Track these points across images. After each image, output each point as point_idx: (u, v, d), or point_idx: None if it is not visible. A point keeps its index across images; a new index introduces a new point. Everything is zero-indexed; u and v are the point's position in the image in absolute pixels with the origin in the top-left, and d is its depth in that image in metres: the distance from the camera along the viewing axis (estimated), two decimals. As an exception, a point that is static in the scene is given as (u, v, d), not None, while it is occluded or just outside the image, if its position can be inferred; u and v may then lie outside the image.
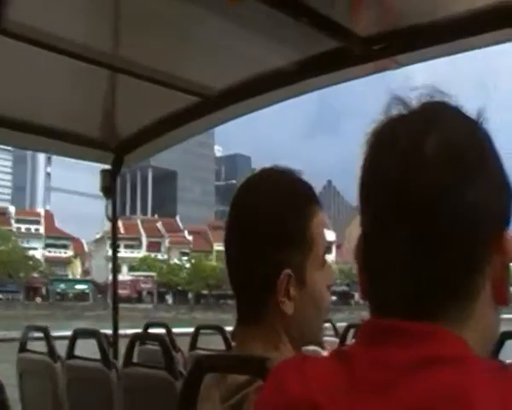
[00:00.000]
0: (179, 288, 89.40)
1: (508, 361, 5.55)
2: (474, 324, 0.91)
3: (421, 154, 0.90)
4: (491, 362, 0.89)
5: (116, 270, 5.60)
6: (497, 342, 3.52)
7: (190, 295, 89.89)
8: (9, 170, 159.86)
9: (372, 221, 0.95)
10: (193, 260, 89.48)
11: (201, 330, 6.13)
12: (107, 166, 4.94)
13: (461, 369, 0.84)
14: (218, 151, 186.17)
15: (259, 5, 2.83)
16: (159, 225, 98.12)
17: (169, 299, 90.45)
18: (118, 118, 4.57)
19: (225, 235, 1.59)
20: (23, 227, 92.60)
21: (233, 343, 1.61)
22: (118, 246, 5.92)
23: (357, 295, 73.30)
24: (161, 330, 6.59)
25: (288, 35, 3.23)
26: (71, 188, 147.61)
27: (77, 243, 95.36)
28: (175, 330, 7.81)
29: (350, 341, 5.62)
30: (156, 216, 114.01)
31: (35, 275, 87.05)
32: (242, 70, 3.67)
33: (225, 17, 3.07)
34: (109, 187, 4.99)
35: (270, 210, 1.51)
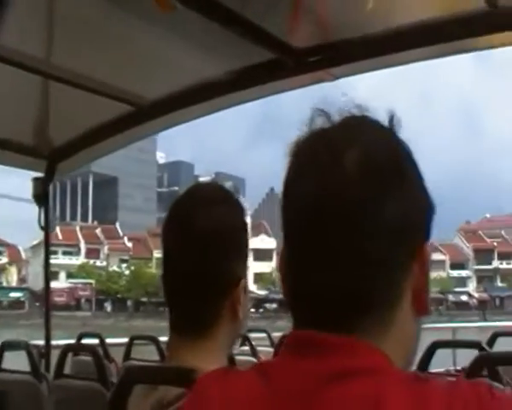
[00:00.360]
0: (118, 295, 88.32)
1: (438, 370, 5.69)
2: (394, 334, 0.92)
3: (340, 168, 0.91)
4: (406, 373, 0.91)
5: (49, 278, 5.49)
6: (427, 352, 3.59)
7: (129, 303, 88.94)
8: None
9: (293, 234, 0.96)
10: (132, 268, 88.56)
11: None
12: (41, 174, 4.87)
13: (375, 379, 0.85)
14: (161, 158, 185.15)
15: (193, 15, 2.83)
16: (98, 231, 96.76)
17: (108, 306, 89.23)
18: (51, 125, 4.50)
19: (170, 243, 1.60)
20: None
21: (166, 354, 1.61)
22: (51, 253, 5.81)
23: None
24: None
25: (222, 46, 3.24)
26: (4, 192, 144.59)
27: (12, 249, 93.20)
28: (111, 340, 7.72)
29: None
30: (96, 222, 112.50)
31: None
32: (176, 80, 3.66)
33: (159, 27, 3.06)
34: (41, 195, 4.91)
35: (231, 223, 1.56)
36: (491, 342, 4.88)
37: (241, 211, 1.62)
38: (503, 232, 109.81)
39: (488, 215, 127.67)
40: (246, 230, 1.62)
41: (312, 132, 0.98)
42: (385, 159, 0.93)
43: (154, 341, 5.61)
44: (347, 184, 0.90)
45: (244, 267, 1.58)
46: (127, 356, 5.84)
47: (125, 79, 3.70)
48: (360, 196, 0.90)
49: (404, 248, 0.92)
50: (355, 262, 0.90)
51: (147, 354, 5.84)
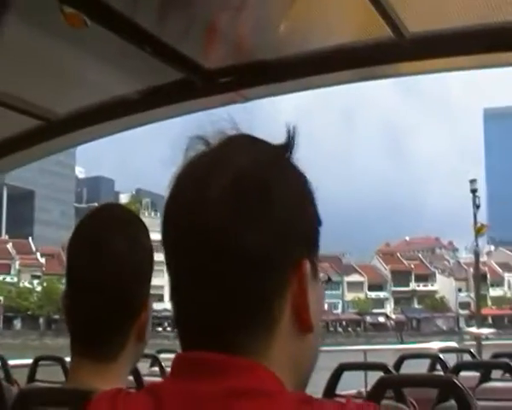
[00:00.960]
0: (29, 312, 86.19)
1: (349, 392, 5.80)
2: (276, 353, 0.93)
3: (204, 197, 0.93)
4: (296, 394, 0.91)
5: None
6: (334, 373, 3.66)
7: (41, 320, 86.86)
8: None
9: (169, 257, 0.99)
10: (45, 284, 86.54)
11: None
12: None
13: (268, 401, 0.86)
14: (80, 172, 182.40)
15: (105, 32, 2.84)
16: (9, 246, 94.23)
17: (17, 324, 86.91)
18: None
19: (78, 263, 1.57)
20: None
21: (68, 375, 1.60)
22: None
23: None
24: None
25: (132, 64, 3.25)
26: None
27: None
28: (17, 361, 7.52)
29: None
30: (7, 237, 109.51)
31: None
32: (88, 96, 3.64)
33: (71, 42, 3.04)
34: None
35: (143, 245, 1.57)
36: (399, 364, 5.01)
37: (147, 232, 1.62)
38: (419, 255, 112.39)
39: (407, 238, 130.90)
40: (152, 251, 1.61)
41: (189, 161, 1.00)
42: (252, 186, 0.94)
43: (60, 361, 5.49)
44: (209, 214, 0.93)
45: (149, 288, 1.58)
46: (31, 378, 5.69)
47: (35, 93, 3.65)
48: (222, 223, 0.92)
49: (277, 270, 0.94)
50: (224, 286, 0.92)
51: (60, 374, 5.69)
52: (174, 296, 0.98)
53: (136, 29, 2.88)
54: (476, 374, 4.58)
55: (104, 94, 3.59)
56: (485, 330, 15.98)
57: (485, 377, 4.34)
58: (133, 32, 2.90)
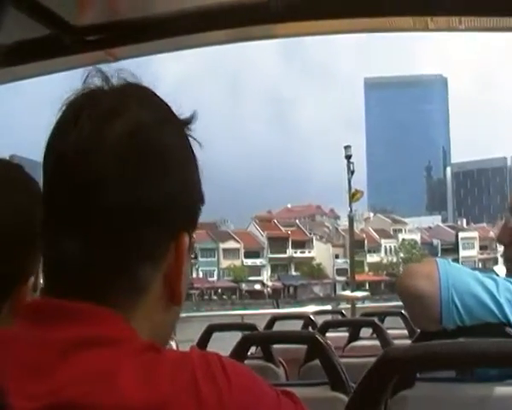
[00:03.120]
0: None
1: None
2: (143, 315, 0.97)
3: (100, 141, 0.94)
4: (142, 342, 0.94)
5: None
6: (204, 334, 3.78)
7: None
8: None
9: (45, 195, 1.00)
10: None
11: None
12: None
13: (112, 350, 0.90)
14: None
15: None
16: None
17: None
18: None
19: None
20: None
21: None
22: None
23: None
24: None
25: (-6, 17, 3.20)
26: None
27: None
28: None
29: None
30: None
31: None
32: None
33: None
34: None
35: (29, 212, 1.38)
36: (270, 325, 5.19)
37: (38, 197, 1.46)
38: (297, 221, 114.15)
39: (289, 205, 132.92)
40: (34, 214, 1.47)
41: (85, 93, 1.00)
42: (151, 139, 0.96)
43: None
44: (105, 158, 0.93)
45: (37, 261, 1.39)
46: None
47: None
48: (111, 172, 0.93)
49: (157, 232, 0.96)
50: (104, 237, 0.94)
51: None
52: (43, 238, 0.99)
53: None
54: (346, 334, 4.83)
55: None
56: (358, 294, 16.66)
57: (354, 337, 4.58)
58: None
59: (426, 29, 4.08)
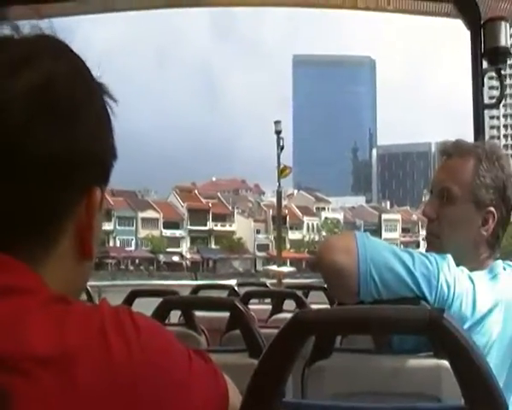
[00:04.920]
0: None
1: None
2: (54, 268, 0.98)
3: (8, 89, 0.93)
4: (53, 293, 0.95)
5: None
6: (126, 299, 3.81)
7: None
8: None
9: None
10: None
11: None
12: None
13: (20, 299, 0.91)
14: None
15: None
16: None
17: None
18: None
19: None
20: None
21: None
22: None
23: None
24: None
25: None
26: None
27: None
28: None
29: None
30: None
31: None
32: None
33: None
34: None
35: None
36: (195, 293, 5.24)
37: None
38: (218, 194, 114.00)
39: (214, 178, 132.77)
40: None
41: None
42: (62, 91, 0.96)
43: None
44: (12, 109, 0.93)
45: None
46: None
47: None
48: (22, 125, 0.93)
49: (69, 186, 0.97)
50: (13, 185, 0.94)
51: None
52: None
53: None
54: (270, 307, 4.91)
55: None
56: (285, 269, 16.85)
57: (277, 309, 4.67)
58: None
59: (355, 7, 4.22)
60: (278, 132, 22.28)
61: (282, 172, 22.95)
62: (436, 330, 1.21)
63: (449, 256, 2.03)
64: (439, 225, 2.19)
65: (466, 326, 1.91)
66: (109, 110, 1.06)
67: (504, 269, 2.14)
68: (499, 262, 2.17)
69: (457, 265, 2.03)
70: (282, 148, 22.35)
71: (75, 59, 1.02)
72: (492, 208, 2.15)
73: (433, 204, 2.21)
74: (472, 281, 2.01)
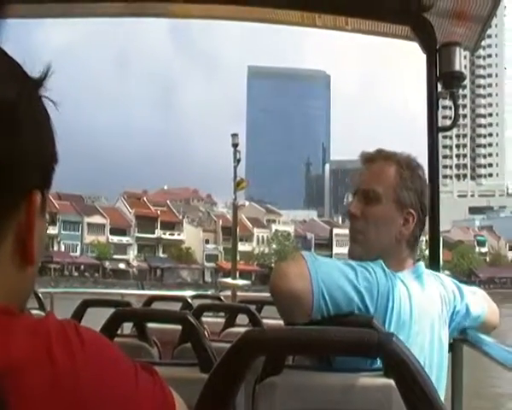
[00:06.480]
0: None
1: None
2: None
3: None
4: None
5: None
6: (79, 308, 3.81)
7: None
8: None
9: None
10: None
11: None
12: None
13: None
14: None
15: None
16: None
17: None
18: None
19: None
20: None
21: None
22: None
23: None
24: None
25: None
26: None
27: None
28: None
29: None
30: None
31: None
32: None
33: None
34: None
35: None
36: (147, 305, 5.26)
37: None
38: (168, 202, 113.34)
39: (166, 187, 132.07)
40: None
41: None
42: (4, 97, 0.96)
43: None
44: None
45: None
46: None
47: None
48: None
49: (6, 190, 0.97)
50: None
51: None
52: None
53: None
54: (223, 321, 4.96)
55: None
56: (239, 282, 16.79)
57: (230, 323, 4.71)
58: None
59: (313, 25, 4.31)
60: (235, 145, 22.26)
61: (238, 184, 22.92)
62: (385, 353, 1.28)
63: (381, 262, 2.23)
64: (364, 223, 2.36)
65: (407, 328, 2.17)
66: (49, 111, 1.06)
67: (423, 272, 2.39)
68: (422, 263, 2.42)
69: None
70: (239, 160, 22.32)
71: (9, 63, 1.02)
72: (412, 210, 2.36)
73: (358, 204, 2.38)
74: (404, 284, 2.23)
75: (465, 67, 4.07)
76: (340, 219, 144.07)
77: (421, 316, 2.24)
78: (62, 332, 0.93)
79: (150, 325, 3.27)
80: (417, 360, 1.30)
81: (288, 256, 2.29)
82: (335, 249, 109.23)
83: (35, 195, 1.00)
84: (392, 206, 2.35)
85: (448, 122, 3.96)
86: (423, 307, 2.26)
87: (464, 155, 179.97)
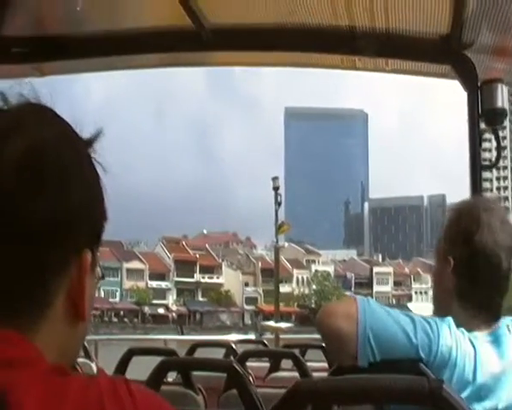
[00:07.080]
0: None
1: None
2: (48, 334, 1.00)
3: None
4: (50, 365, 0.96)
5: None
6: (124, 358, 3.84)
7: None
8: None
9: None
10: None
11: None
12: None
13: (18, 372, 0.92)
14: None
15: None
16: None
17: None
18: None
19: None
20: None
21: None
22: None
23: None
24: None
25: None
26: None
27: None
28: None
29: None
30: None
31: None
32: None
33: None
34: None
35: None
36: (191, 352, 5.27)
37: None
38: (207, 245, 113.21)
39: (205, 231, 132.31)
40: None
41: None
42: (49, 157, 0.99)
43: None
44: (2, 174, 0.96)
45: None
46: None
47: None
48: (13, 191, 0.96)
49: (59, 251, 1.00)
50: (2, 254, 0.97)
51: None
52: None
53: None
54: (268, 365, 4.97)
55: None
56: (282, 325, 16.62)
57: (275, 367, 4.73)
58: None
59: (353, 68, 4.33)
60: (276, 188, 22.24)
61: (280, 227, 22.81)
62: (436, 401, 1.28)
63: (450, 319, 2.08)
64: None
65: (467, 391, 1.96)
66: (99, 169, 1.09)
67: (509, 330, 2.14)
68: (504, 322, 2.17)
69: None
70: (280, 203, 22.28)
71: (60, 123, 1.06)
72: (450, 257, 2.20)
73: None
74: (473, 345, 2.04)
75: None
76: (380, 257, 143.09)
77: (497, 385, 2.01)
78: (114, 391, 0.95)
79: (195, 372, 3.29)
80: (469, 408, 1.28)
81: (333, 297, 2.24)
82: (376, 288, 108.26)
83: (86, 253, 1.03)
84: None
85: (487, 154, 3.92)
86: (497, 375, 2.02)
87: (505, 188, 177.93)
